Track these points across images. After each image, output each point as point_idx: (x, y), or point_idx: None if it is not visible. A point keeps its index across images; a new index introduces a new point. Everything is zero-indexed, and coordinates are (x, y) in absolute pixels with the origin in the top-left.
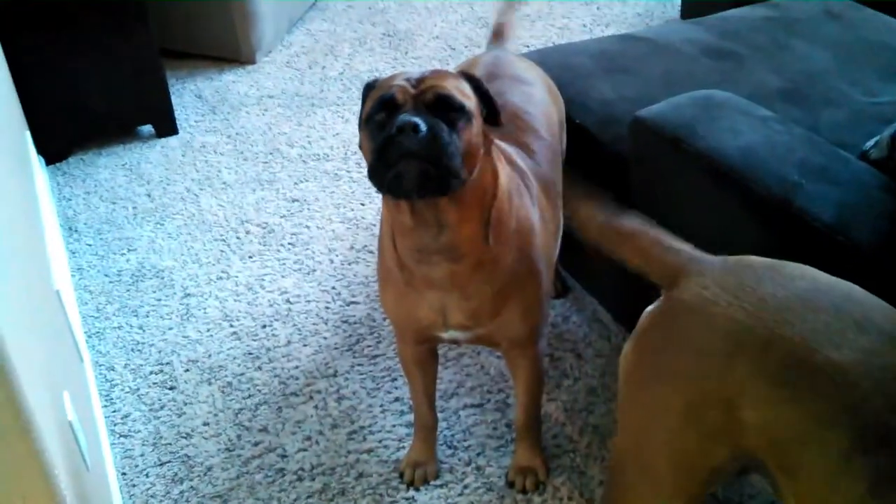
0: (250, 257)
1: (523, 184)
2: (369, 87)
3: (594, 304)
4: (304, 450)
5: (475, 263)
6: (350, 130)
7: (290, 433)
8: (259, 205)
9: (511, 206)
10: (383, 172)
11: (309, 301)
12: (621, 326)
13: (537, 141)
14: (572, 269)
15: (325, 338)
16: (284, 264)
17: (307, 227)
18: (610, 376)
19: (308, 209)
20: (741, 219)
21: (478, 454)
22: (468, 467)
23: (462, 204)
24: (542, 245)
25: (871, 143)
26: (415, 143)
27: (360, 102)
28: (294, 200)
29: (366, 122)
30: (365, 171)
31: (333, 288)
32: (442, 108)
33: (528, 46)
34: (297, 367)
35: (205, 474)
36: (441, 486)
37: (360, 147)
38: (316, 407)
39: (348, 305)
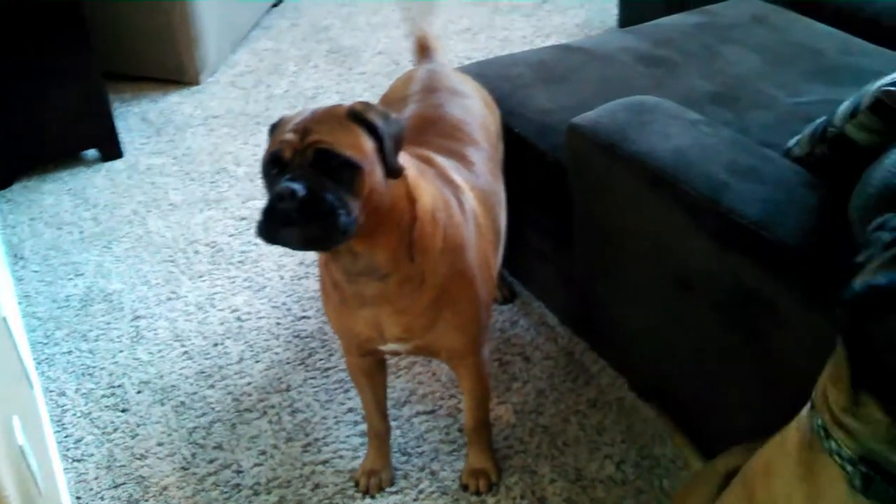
0: (200, 277)
1: (455, 198)
2: (274, 128)
3: (541, 307)
4: (260, 464)
5: (402, 280)
6: None
7: (245, 449)
8: (207, 224)
9: (437, 223)
10: (270, 233)
11: (260, 318)
12: (567, 329)
13: (476, 152)
14: (518, 274)
15: (276, 353)
16: (234, 282)
17: (256, 244)
18: (557, 378)
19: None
20: (674, 219)
21: (431, 459)
22: (422, 473)
23: (369, 236)
24: (477, 257)
25: (793, 140)
26: (294, 209)
27: None
28: (242, 219)
29: (263, 173)
30: None
31: (284, 304)
32: (324, 164)
33: (469, 59)
34: (249, 384)
35: (160, 494)
36: (396, 492)
37: None
38: (270, 421)
39: (299, 320)
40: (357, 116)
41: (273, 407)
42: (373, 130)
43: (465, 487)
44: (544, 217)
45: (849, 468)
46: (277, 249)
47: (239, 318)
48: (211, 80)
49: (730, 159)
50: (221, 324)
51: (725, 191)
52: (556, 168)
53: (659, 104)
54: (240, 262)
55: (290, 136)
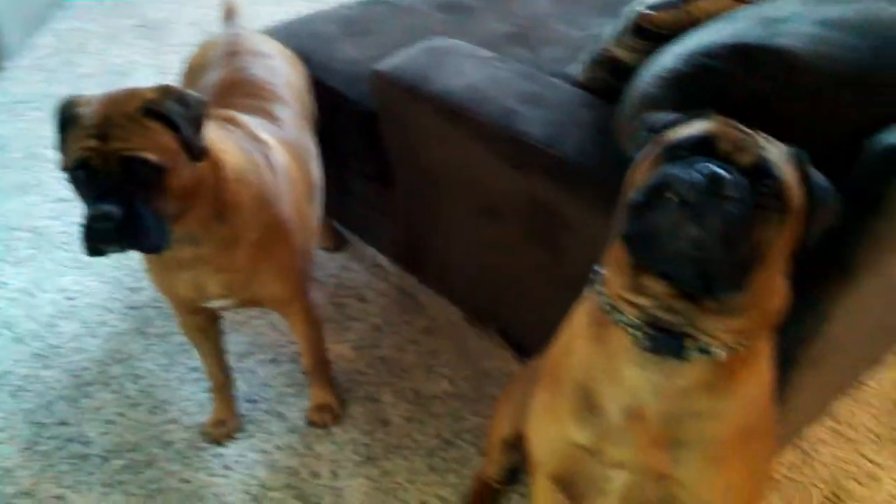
0: (22, 262)
1: (263, 155)
2: (65, 118)
3: (374, 252)
4: (106, 433)
5: (216, 241)
6: None
7: (90, 420)
8: (25, 210)
9: (243, 184)
10: (96, 251)
11: (92, 294)
12: (398, 267)
13: (283, 109)
14: (348, 222)
15: (113, 326)
16: (61, 263)
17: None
18: (391, 313)
19: (77, 206)
20: (474, 149)
21: (278, 403)
22: (270, 416)
23: (180, 216)
24: (290, 208)
25: (577, 67)
26: (112, 230)
27: None
28: (61, 200)
29: (71, 179)
30: None
31: (114, 277)
32: (131, 172)
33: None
34: (88, 359)
35: (6, 475)
36: (248, 437)
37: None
38: (113, 391)
39: (133, 291)
40: (152, 111)
41: (115, 377)
42: (171, 120)
43: (311, 423)
44: (364, 164)
45: (637, 333)
46: None
47: (69, 298)
48: (12, 66)
49: (519, 89)
50: (52, 304)
51: (515, 117)
52: (368, 115)
53: (454, 45)
54: (64, 243)
55: (91, 142)
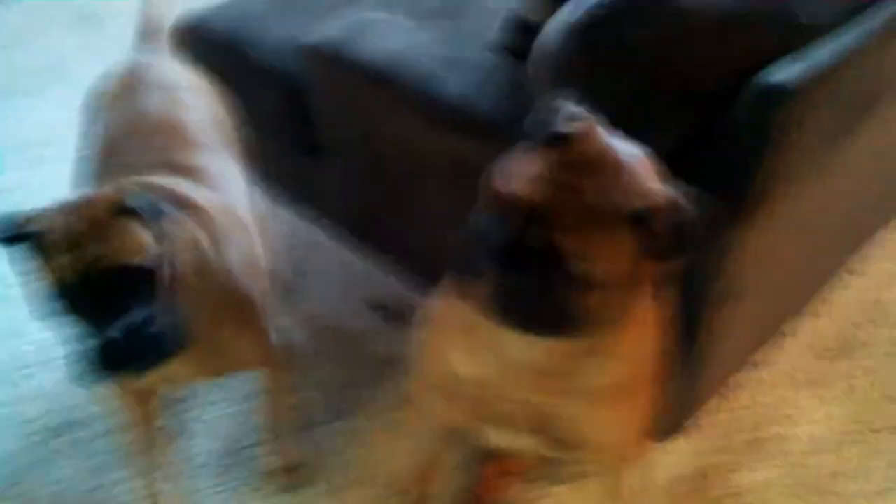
0: None
1: (200, 226)
2: (37, 241)
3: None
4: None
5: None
6: (50, 116)
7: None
8: None
9: (193, 275)
10: (108, 375)
11: None
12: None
13: (203, 156)
14: (297, 198)
15: None
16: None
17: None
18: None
19: (14, 197)
20: (396, 112)
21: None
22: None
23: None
24: (243, 270)
25: (495, 34)
26: (121, 354)
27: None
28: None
29: (59, 304)
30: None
31: None
32: (116, 282)
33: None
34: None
35: None
36: None
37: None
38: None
39: None
40: (123, 210)
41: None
42: (140, 216)
43: (281, 483)
44: (296, 138)
45: None
46: None
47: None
48: None
49: (436, 54)
50: None
51: (433, 80)
52: (296, 90)
53: (377, 17)
54: None
55: (66, 260)
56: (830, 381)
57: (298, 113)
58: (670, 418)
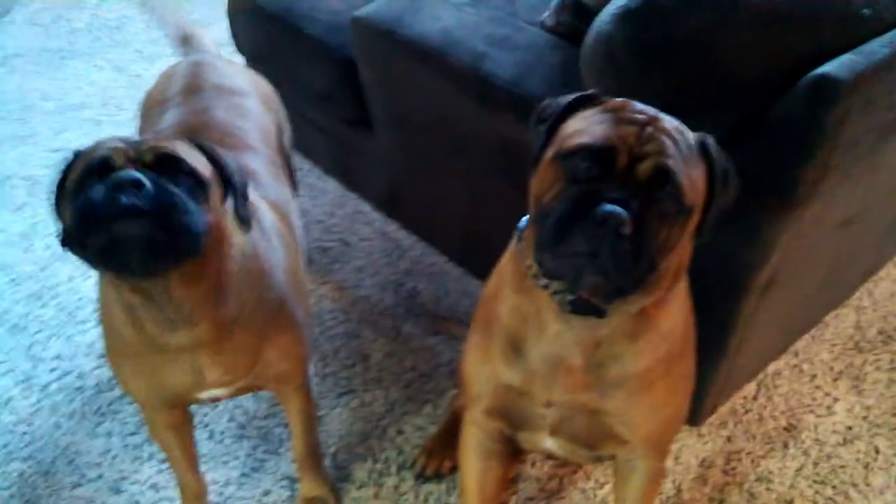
0: (19, 209)
1: (256, 221)
2: (75, 156)
3: (356, 198)
4: (99, 367)
5: (214, 324)
6: (105, 77)
7: (84, 355)
8: (21, 159)
9: (241, 261)
10: (90, 238)
11: None
12: (381, 213)
13: (255, 159)
14: (333, 170)
15: None
16: None
17: None
18: (374, 255)
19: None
20: (445, 90)
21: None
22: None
23: (191, 276)
24: (287, 276)
25: (545, 14)
26: (136, 199)
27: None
28: (57, 150)
29: (71, 194)
30: (124, 114)
31: None
32: (168, 169)
33: None
34: (81, 299)
35: (4, 406)
36: None
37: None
38: None
39: None
40: (200, 145)
41: None
42: (216, 163)
43: None
44: (345, 109)
45: (557, 297)
46: None
47: None
48: (6, 20)
49: (488, 33)
50: (47, 249)
51: (484, 59)
52: (347, 63)
53: None
54: None
55: (119, 143)
56: (869, 372)
57: (349, 86)
58: (705, 402)
